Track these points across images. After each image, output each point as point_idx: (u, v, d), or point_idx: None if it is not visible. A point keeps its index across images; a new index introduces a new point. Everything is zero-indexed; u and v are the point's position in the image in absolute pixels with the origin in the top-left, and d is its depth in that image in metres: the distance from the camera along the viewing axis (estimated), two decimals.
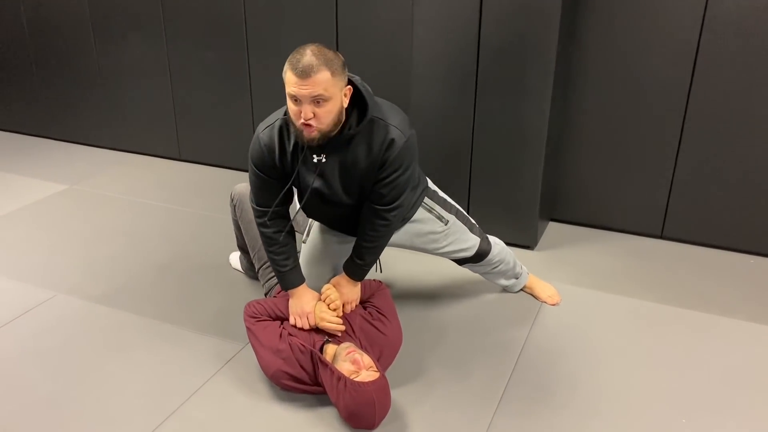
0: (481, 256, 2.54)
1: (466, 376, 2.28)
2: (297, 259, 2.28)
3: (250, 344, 2.33)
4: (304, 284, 2.28)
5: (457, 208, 2.50)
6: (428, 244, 2.47)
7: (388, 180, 2.09)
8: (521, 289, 2.79)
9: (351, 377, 1.94)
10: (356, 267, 2.26)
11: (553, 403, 2.15)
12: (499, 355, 2.39)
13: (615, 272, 2.95)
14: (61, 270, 3.00)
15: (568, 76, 3.09)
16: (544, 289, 2.75)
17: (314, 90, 1.88)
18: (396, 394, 2.14)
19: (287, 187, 2.16)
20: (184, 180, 4.05)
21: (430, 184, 2.48)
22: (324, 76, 1.88)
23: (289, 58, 1.92)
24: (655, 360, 2.36)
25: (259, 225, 2.23)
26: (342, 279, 2.29)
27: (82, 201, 3.77)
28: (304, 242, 2.52)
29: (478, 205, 3.13)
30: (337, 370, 1.97)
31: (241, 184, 2.64)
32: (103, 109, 4.48)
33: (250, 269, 2.83)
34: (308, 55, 1.88)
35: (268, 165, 2.12)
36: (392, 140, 2.04)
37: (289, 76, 1.91)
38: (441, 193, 2.49)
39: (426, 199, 2.41)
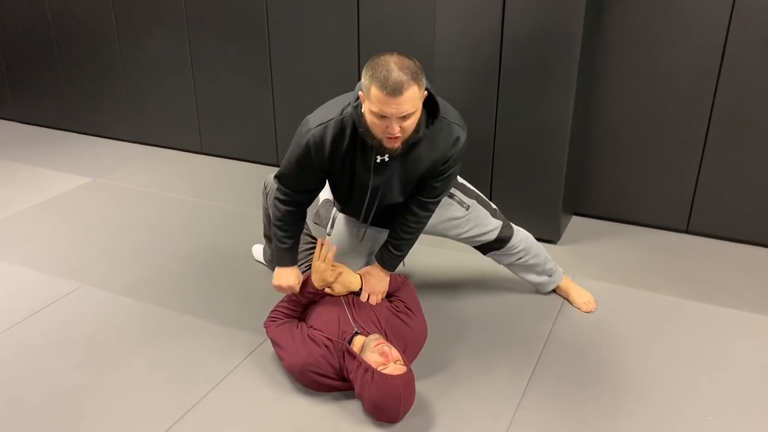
0: (503, 240, 2.50)
1: (489, 369, 2.27)
2: (298, 241, 2.28)
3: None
4: (294, 267, 2.28)
5: (478, 194, 2.50)
6: (450, 230, 2.46)
7: (446, 175, 2.13)
8: (554, 291, 2.71)
9: (378, 369, 1.95)
10: (392, 257, 2.29)
11: (576, 398, 2.13)
12: (522, 350, 2.38)
13: (639, 267, 2.92)
14: (85, 262, 3.03)
15: (592, 69, 3.06)
16: (581, 294, 2.64)
17: (404, 108, 1.83)
18: (419, 387, 2.13)
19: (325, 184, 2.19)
20: (207, 173, 4.07)
21: None
22: (413, 92, 1.82)
23: (372, 72, 1.83)
24: (680, 356, 2.33)
25: (277, 199, 2.21)
26: (374, 269, 2.31)
27: (106, 194, 3.80)
28: (329, 234, 2.51)
29: (500, 198, 3.11)
30: (365, 361, 1.97)
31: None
32: (126, 102, 4.51)
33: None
34: (395, 70, 1.80)
35: (309, 162, 2.08)
36: (458, 138, 2.07)
37: (376, 94, 1.82)
38: (461, 179, 2.48)
39: None
